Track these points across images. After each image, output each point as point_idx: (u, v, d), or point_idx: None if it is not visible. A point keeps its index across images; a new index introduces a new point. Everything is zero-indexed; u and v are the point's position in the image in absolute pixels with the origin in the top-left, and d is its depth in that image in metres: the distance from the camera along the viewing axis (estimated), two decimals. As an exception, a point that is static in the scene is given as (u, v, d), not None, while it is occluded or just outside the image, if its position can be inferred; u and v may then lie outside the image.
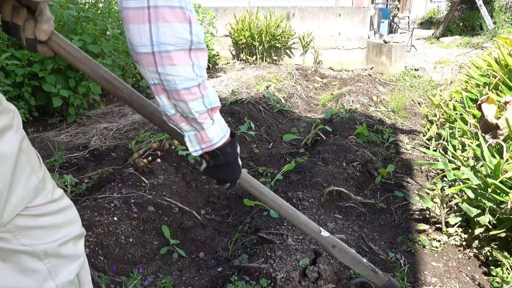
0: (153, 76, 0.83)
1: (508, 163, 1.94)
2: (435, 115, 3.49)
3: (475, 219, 1.84)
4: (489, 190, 1.81)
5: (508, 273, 1.60)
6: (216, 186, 1.14)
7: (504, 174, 1.81)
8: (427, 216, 2.15)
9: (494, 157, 2.10)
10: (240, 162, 1.07)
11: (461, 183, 2.05)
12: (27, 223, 0.84)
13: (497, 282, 1.61)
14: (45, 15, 0.94)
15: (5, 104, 0.80)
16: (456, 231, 1.97)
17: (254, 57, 7.35)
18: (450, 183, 2.33)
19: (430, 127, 3.43)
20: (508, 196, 1.71)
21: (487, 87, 3.07)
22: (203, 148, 0.97)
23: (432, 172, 2.78)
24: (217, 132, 0.96)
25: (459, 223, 1.99)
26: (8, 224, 0.80)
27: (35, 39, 0.95)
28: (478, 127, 2.32)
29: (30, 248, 0.85)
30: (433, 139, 3.24)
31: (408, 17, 13.67)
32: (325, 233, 1.28)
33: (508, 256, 1.68)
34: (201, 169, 1.06)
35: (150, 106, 1.05)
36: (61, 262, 0.92)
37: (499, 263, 1.69)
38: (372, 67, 6.84)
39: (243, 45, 7.34)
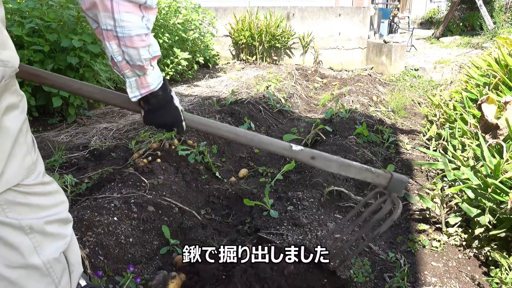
0: (108, 22, 0.89)
1: (508, 163, 1.94)
2: (435, 115, 3.49)
3: (475, 219, 1.84)
4: (489, 190, 1.81)
5: (507, 274, 1.60)
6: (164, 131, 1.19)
7: (504, 174, 1.81)
8: (427, 216, 2.15)
9: (494, 157, 2.10)
10: (177, 105, 1.13)
11: (461, 183, 2.05)
12: (16, 199, 0.90)
13: (496, 283, 1.61)
14: None
15: (18, 87, 0.90)
16: (456, 231, 1.97)
17: (254, 57, 7.35)
18: (450, 183, 2.33)
19: (430, 127, 3.43)
20: (508, 196, 1.71)
21: (487, 87, 3.07)
22: (142, 94, 1.05)
23: (432, 172, 2.78)
24: (155, 77, 1.04)
25: (459, 223, 1.99)
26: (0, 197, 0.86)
27: None
28: (478, 127, 2.32)
29: (16, 221, 0.90)
30: (433, 139, 3.24)
31: (408, 17, 13.67)
32: (297, 147, 1.23)
33: (507, 256, 1.68)
34: (143, 120, 1.12)
35: (119, 97, 1.16)
36: (46, 239, 0.97)
37: (498, 263, 1.69)
38: (372, 67, 6.84)
39: (243, 45, 7.34)
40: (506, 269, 1.62)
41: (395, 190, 1.36)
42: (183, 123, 1.16)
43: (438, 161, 2.81)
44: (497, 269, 1.65)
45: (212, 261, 1.74)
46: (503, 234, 1.77)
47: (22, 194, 0.92)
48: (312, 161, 1.25)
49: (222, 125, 1.23)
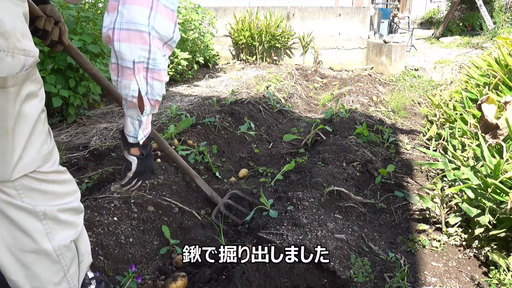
0: (141, 54, 0.95)
1: (508, 163, 1.93)
2: (435, 115, 3.49)
3: (475, 219, 1.84)
4: (489, 190, 1.81)
5: (505, 275, 1.60)
6: (135, 186, 1.25)
7: (504, 174, 1.81)
8: (427, 216, 2.15)
9: (494, 157, 2.10)
10: None
11: (461, 183, 2.05)
12: (32, 185, 0.94)
13: (495, 284, 1.61)
14: (65, 27, 1.33)
15: (38, 75, 0.94)
16: (456, 231, 1.97)
17: (254, 57, 7.35)
18: (450, 183, 2.33)
19: (430, 127, 3.43)
20: (508, 196, 1.71)
21: (487, 87, 3.06)
22: (145, 135, 1.11)
23: (432, 172, 2.78)
24: (150, 120, 1.12)
25: (459, 223, 1.99)
26: (16, 181, 0.90)
27: (58, 41, 1.32)
28: (478, 127, 2.32)
29: (31, 207, 0.94)
30: (433, 139, 3.24)
31: (408, 17, 13.66)
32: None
33: (506, 256, 1.67)
34: (132, 169, 1.16)
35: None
36: (58, 226, 1.01)
37: (498, 264, 1.69)
38: (372, 67, 6.84)
39: (243, 45, 7.34)
40: (504, 270, 1.62)
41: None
42: None
43: (438, 161, 2.81)
44: (495, 270, 1.64)
45: (212, 261, 1.75)
46: (503, 234, 1.77)
47: (38, 181, 0.95)
48: None
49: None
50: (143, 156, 1.15)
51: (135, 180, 1.19)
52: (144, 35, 0.93)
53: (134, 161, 1.14)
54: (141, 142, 1.10)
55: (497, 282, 1.60)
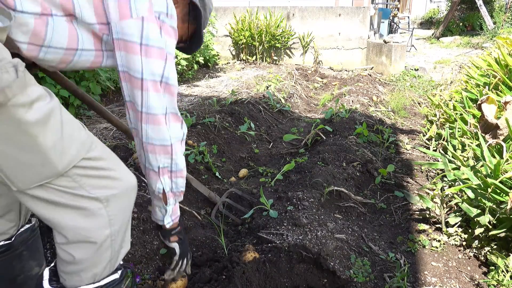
0: (165, 161, 1.14)
1: (508, 163, 1.93)
2: (435, 115, 3.49)
3: (475, 219, 1.84)
4: (489, 190, 1.81)
5: (504, 276, 1.60)
6: (183, 267, 1.43)
7: (504, 174, 1.81)
8: (427, 216, 2.15)
9: (494, 157, 2.10)
10: None
11: (461, 183, 2.05)
12: (88, 173, 0.97)
13: (493, 285, 1.61)
14: None
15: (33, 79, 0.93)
16: (456, 231, 1.97)
17: (254, 57, 7.35)
18: (450, 183, 2.33)
19: (430, 127, 3.43)
20: (508, 196, 1.71)
21: (487, 87, 3.07)
22: (173, 220, 1.27)
23: (432, 172, 2.78)
24: (178, 207, 1.28)
25: (459, 223, 1.99)
26: (70, 173, 0.93)
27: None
28: (478, 127, 2.32)
29: (94, 195, 0.98)
30: (433, 139, 3.24)
31: (408, 17, 13.66)
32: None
33: (505, 257, 1.67)
34: (177, 253, 1.33)
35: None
36: (119, 212, 1.04)
37: (497, 264, 1.69)
38: (372, 67, 6.84)
39: (243, 45, 7.34)
40: (503, 271, 1.62)
41: None
42: None
43: (438, 161, 2.81)
44: (494, 272, 1.64)
45: (213, 261, 1.75)
46: (503, 234, 1.77)
47: (91, 169, 0.98)
48: None
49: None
50: (182, 240, 1.31)
51: (182, 261, 1.37)
52: (167, 148, 1.12)
53: (176, 247, 1.31)
54: (167, 226, 1.27)
55: (496, 283, 1.60)
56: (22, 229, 1.27)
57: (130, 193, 1.08)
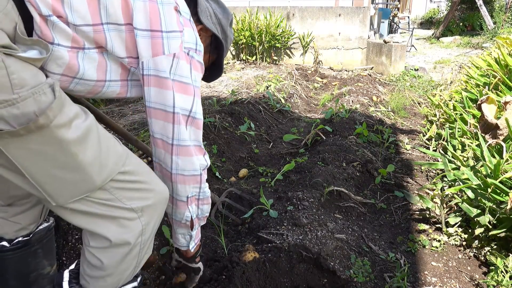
0: (194, 190, 1.20)
1: (508, 163, 1.94)
2: (435, 115, 3.49)
3: (475, 219, 1.84)
4: (489, 190, 1.81)
5: (503, 276, 1.60)
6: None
7: (504, 174, 1.81)
8: (427, 216, 2.15)
9: (494, 157, 2.10)
10: None
11: (461, 183, 2.05)
12: (125, 186, 1.00)
13: (493, 286, 1.61)
14: None
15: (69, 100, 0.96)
16: (456, 231, 1.97)
17: (254, 57, 7.35)
18: (450, 183, 2.33)
19: (430, 127, 3.43)
20: (508, 196, 1.71)
21: (487, 87, 3.07)
22: (196, 243, 1.32)
23: (432, 172, 2.78)
24: (200, 230, 1.33)
25: (459, 223, 1.99)
26: (107, 186, 0.97)
27: None
28: (478, 127, 2.32)
29: (130, 206, 1.01)
30: (433, 139, 3.24)
31: (408, 17, 13.66)
32: None
33: (504, 257, 1.67)
34: (202, 270, 1.44)
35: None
36: (151, 221, 1.08)
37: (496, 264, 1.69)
38: (372, 67, 6.84)
39: (243, 45, 7.34)
40: (502, 271, 1.62)
41: None
42: None
43: (438, 161, 2.81)
44: (493, 272, 1.64)
45: (213, 261, 1.75)
46: (503, 234, 1.77)
47: (127, 182, 1.01)
48: None
49: None
50: (202, 256, 1.40)
51: (198, 276, 1.46)
52: (197, 178, 1.18)
53: (201, 265, 1.38)
54: (192, 250, 1.32)
55: (495, 284, 1.60)
56: (41, 227, 1.30)
57: (163, 204, 1.12)
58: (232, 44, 7.54)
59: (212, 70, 1.38)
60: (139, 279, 1.16)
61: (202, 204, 1.25)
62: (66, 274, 1.13)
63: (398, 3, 14.34)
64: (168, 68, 1.05)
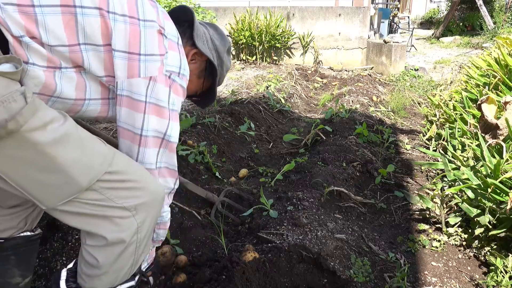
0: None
1: (508, 163, 1.93)
2: (435, 115, 3.49)
3: (475, 219, 1.84)
4: (489, 190, 1.81)
5: (503, 276, 1.60)
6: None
7: (504, 174, 1.81)
8: (427, 216, 2.15)
9: (494, 157, 2.10)
10: None
11: (461, 183, 2.05)
12: (114, 185, 1.01)
13: (493, 286, 1.61)
14: None
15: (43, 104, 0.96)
16: (456, 231, 1.97)
17: (254, 57, 7.35)
18: (450, 183, 2.33)
19: (430, 127, 3.43)
20: (508, 196, 1.71)
21: (487, 87, 3.07)
22: (149, 263, 1.32)
23: (432, 172, 2.78)
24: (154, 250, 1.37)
25: (459, 223, 1.99)
26: (95, 187, 0.97)
27: None
28: (478, 127, 2.32)
29: (122, 205, 1.02)
30: (433, 139, 3.24)
31: (408, 17, 13.66)
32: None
33: (504, 257, 1.67)
34: (151, 284, 1.35)
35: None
36: (146, 220, 1.08)
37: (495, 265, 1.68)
38: (372, 67, 6.84)
39: (243, 45, 7.34)
40: (502, 272, 1.62)
41: None
42: None
43: (438, 161, 2.81)
44: (493, 272, 1.64)
45: (213, 261, 1.75)
46: (503, 234, 1.77)
47: (116, 182, 1.01)
48: None
49: None
50: (155, 272, 1.38)
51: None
52: (171, 196, 1.24)
53: (151, 279, 1.35)
54: (144, 269, 1.29)
55: (495, 284, 1.60)
56: (21, 235, 1.28)
57: (158, 201, 1.11)
58: (232, 44, 7.54)
59: (206, 96, 1.39)
60: (136, 278, 1.16)
61: (159, 229, 1.24)
62: (63, 273, 1.13)
63: (398, 3, 14.35)
64: (144, 90, 1.04)
